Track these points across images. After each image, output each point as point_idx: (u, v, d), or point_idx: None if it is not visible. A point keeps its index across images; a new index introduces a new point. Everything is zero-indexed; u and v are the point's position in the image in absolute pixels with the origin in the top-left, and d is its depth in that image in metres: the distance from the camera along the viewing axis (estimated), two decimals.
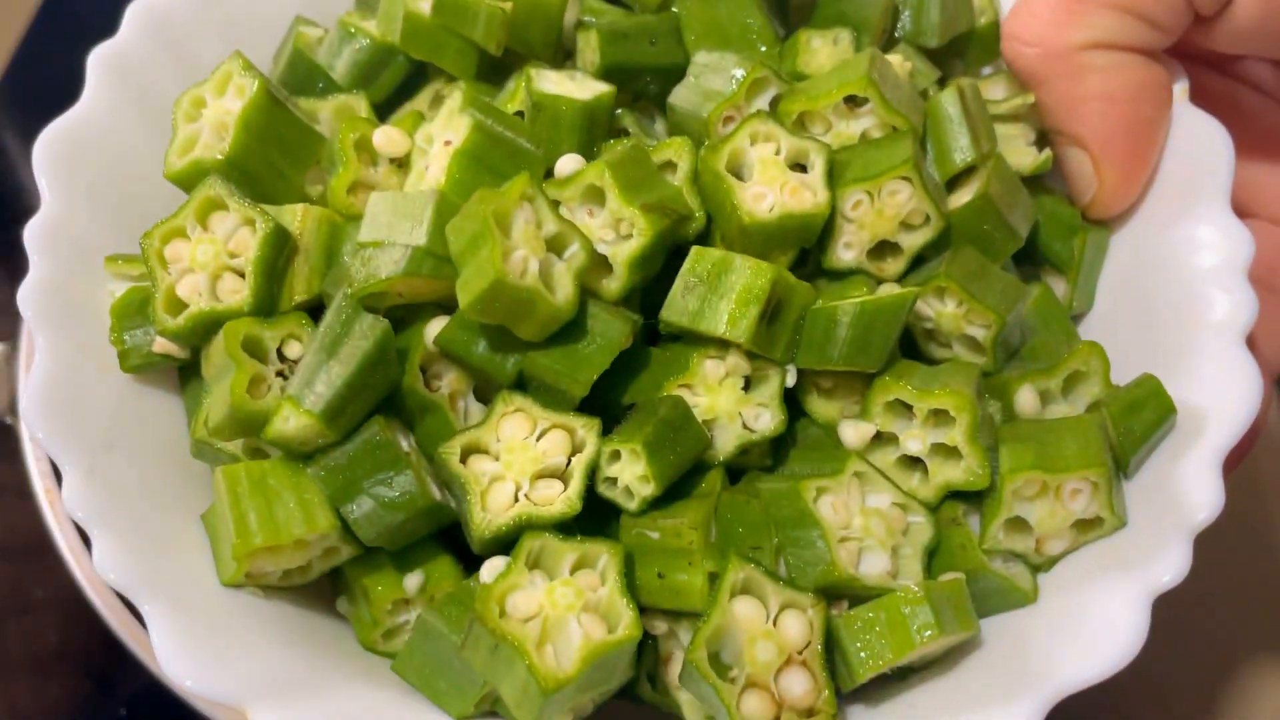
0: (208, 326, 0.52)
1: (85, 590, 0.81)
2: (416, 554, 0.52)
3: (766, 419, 0.52)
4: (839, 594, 0.50)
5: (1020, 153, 0.58)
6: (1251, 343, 0.53)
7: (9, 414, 0.85)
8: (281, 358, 0.52)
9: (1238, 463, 0.54)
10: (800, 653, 0.48)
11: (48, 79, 1.47)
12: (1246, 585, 1.12)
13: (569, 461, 0.50)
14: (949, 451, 0.52)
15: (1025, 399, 0.54)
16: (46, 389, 0.51)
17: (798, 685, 0.48)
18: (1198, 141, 0.56)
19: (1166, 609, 1.13)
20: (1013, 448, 0.51)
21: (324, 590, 0.55)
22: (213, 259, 0.52)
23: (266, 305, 0.52)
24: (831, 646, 0.49)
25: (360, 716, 0.48)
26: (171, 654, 0.46)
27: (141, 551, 0.49)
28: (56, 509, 0.82)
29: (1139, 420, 0.52)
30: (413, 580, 0.52)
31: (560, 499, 0.49)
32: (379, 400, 0.50)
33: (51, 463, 0.83)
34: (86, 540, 0.79)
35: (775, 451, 0.54)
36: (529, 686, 0.45)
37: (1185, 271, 0.55)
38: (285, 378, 0.51)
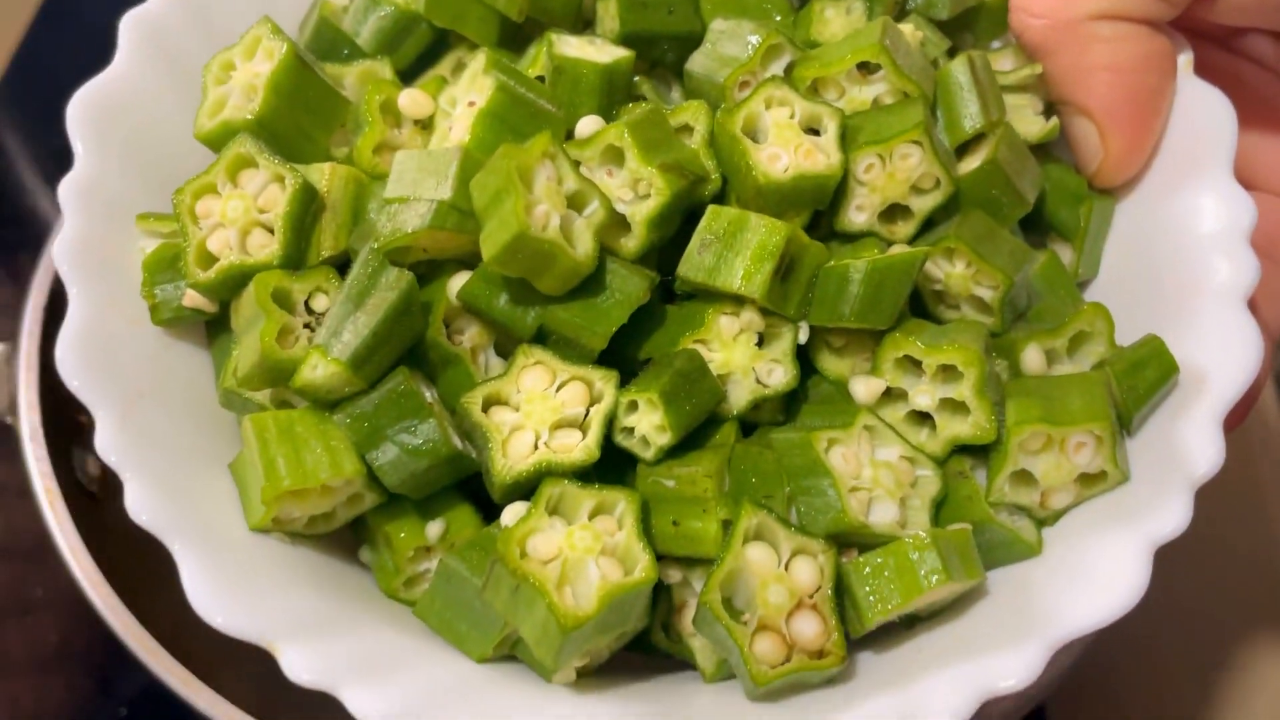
0: (237, 280, 0.54)
1: (85, 590, 0.79)
2: (438, 503, 0.54)
3: (779, 374, 0.54)
4: (849, 541, 0.52)
5: (1028, 122, 0.60)
6: (1253, 307, 0.55)
7: (9, 414, 0.85)
8: (309, 310, 0.54)
9: (1238, 422, 0.55)
10: (811, 597, 0.50)
11: (47, 79, 1.48)
12: (1247, 585, 1.12)
13: (587, 412, 0.52)
14: (957, 406, 0.53)
15: (1031, 358, 0.55)
16: (79, 339, 0.53)
17: (808, 628, 0.50)
18: (1201, 112, 0.58)
19: (1167, 608, 1.14)
20: (1019, 402, 0.53)
21: (347, 541, 0.57)
22: (243, 214, 0.54)
23: (295, 259, 0.54)
24: (841, 592, 0.50)
25: (381, 657, 0.50)
26: (200, 593, 0.48)
27: (171, 495, 0.50)
28: (57, 509, 0.81)
29: (1142, 379, 0.53)
30: (434, 528, 0.53)
31: (579, 447, 0.51)
32: (403, 351, 0.52)
33: (52, 462, 0.83)
34: (87, 540, 0.80)
35: (788, 407, 0.56)
36: (549, 625, 0.47)
37: (1188, 237, 0.56)
38: (312, 330, 0.53)
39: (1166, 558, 1.11)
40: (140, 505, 0.50)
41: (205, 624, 0.93)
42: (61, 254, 0.55)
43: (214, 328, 0.58)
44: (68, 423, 0.90)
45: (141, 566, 0.88)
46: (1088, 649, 0.81)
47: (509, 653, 0.52)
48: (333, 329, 0.50)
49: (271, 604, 0.49)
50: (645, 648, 0.54)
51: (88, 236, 0.55)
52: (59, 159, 1.50)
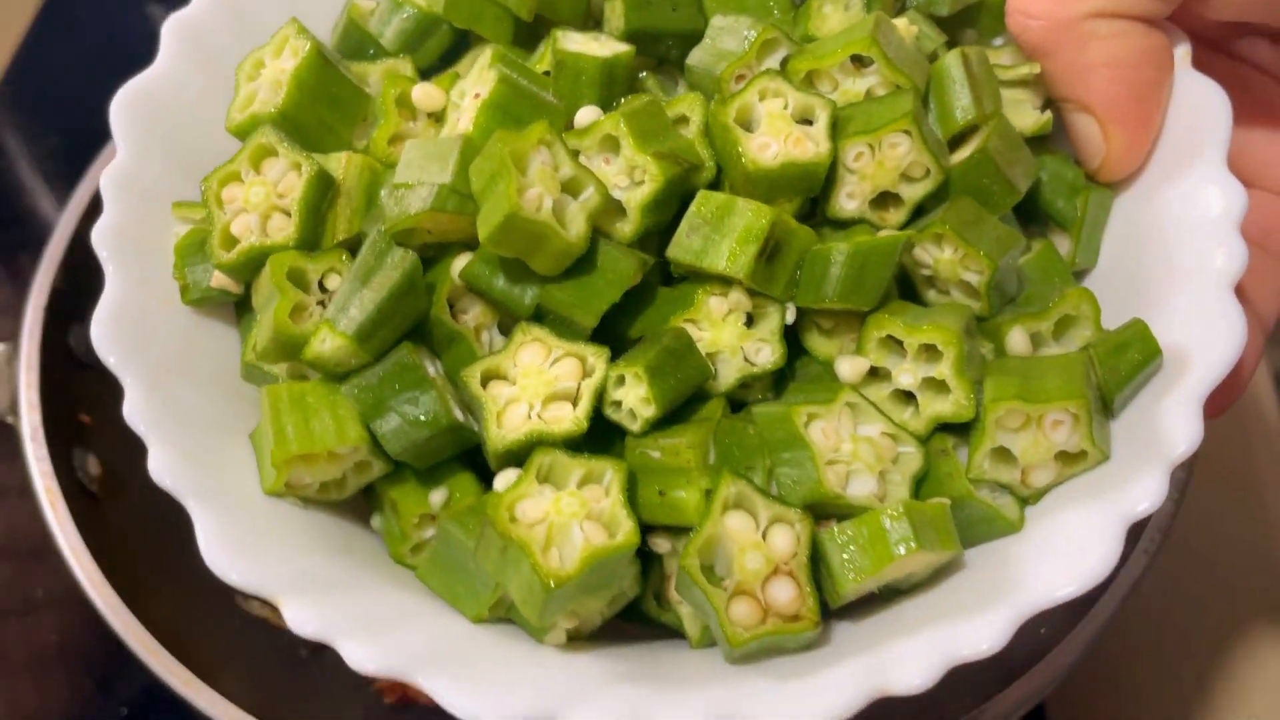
0: (257, 260, 0.58)
1: (86, 590, 0.81)
2: (441, 472, 0.57)
3: (767, 353, 0.56)
4: (826, 513, 0.54)
5: (1025, 115, 0.62)
6: (1245, 297, 0.56)
7: (10, 414, 0.87)
8: (323, 289, 0.57)
9: (1223, 407, 0.57)
10: (787, 564, 0.52)
11: (48, 81, 1.51)
12: (1247, 585, 1.11)
13: (579, 387, 0.54)
14: (938, 385, 0.55)
15: (1016, 340, 0.57)
16: (113, 315, 0.57)
17: (783, 593, 0.52)
18: (1197, 103, 0.59)
19: (1166, 607, 1.13)
20: (996, 380, 0.55)
21: (361, 509, 0.60)
22: (263, 200, 0.58)
23: (310, 240, 0.58)
24: (817, 561, 0.53)
25: (381, 614, 0.53)
26: (214, 550, 0.52)
27: (193, 460, 0.54)
28: (57, 509, 0.83)
29: (1124, 361, 0.55)
30: (437, 496, 0.56)
31: (569, 418, 0.54)
32: (408, 328, 0.55)
33: (53, 462, 0.85)
34: (87, 540, 0.81)
35: (776, 386, 0.58)
36: (533, 584, 0.49)
37: (1179, 224, 0.57)
38: (325, 308, 0.57)
39: (1167, 558, 1.11)
40: (162, 469, 0.53)
41: (206, 624, 0.95)
42: (100, 238, 0.59)
43: (241, 309, 0.62)
44: (68, 423, 0.92)
45: (142, 566, 0.90)
46: (1088, 648, 0.81)
47: (504, 616, 0.55)
48: (340, 305, 0.54)
49: (280, 561, 0.53)
50: (638, 617, 0.56)
51: (124, 223, 0.60)
52: (59, 160, 1.53)
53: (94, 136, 1.04)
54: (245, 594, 0.53)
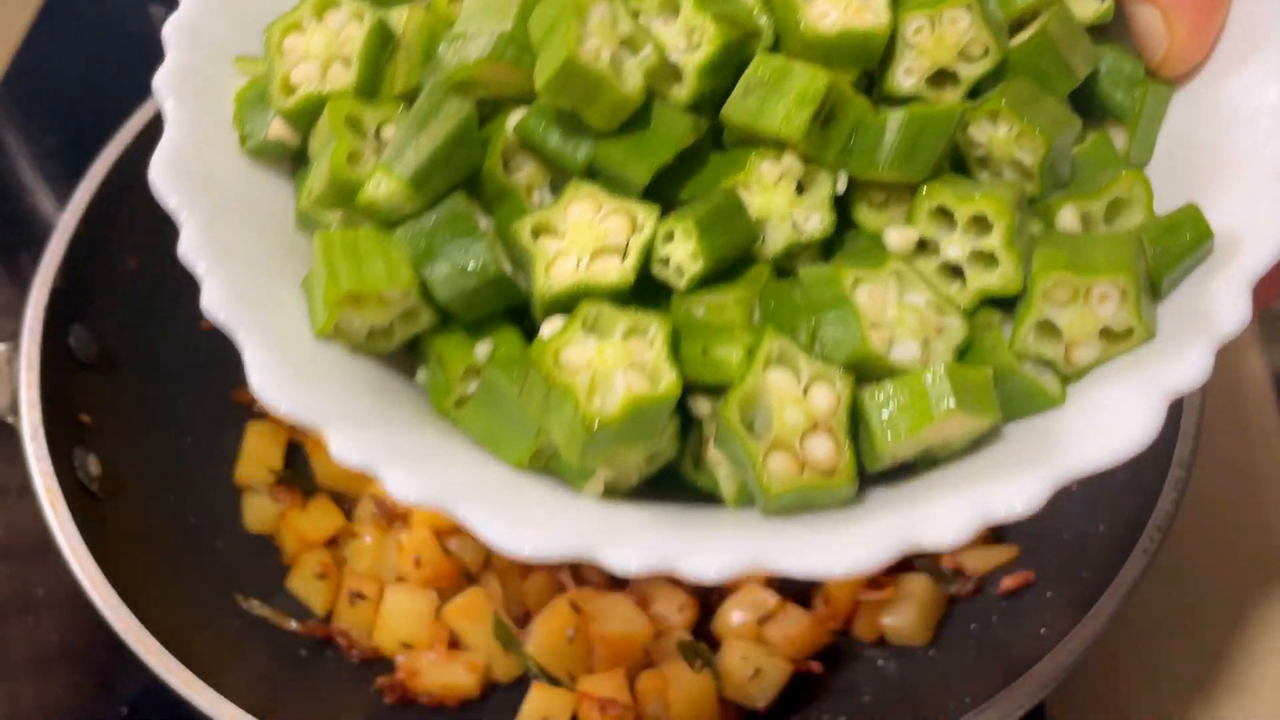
0: (316, 107, 0.59)
1: (86, 590, 0.82)
2: (487, 326, 0.57)
3: (816, 221, 0.57)
4: (868, 375, 0.54)
5: (1086, 4, 0.61)
6: None
7: (10, 413, 0.88)
8: (378, 139, 0.58)
9: (1273, 296, 0.56)
10: (826, 420, 0.52)
11: (49, 81, 1.53)
12: (1246, 584, 1.12)
13: (628, 243, 0.55)
14: (987, 259, 0.56)
15: (1067, 218, 0.57)
16: (172, 156, 0.58)
17: (821, 449, 0.52)
18: None
19: (1166, 606, 1.13)
20: (1046, 252, 0.55)
21: (405, 366, 0.61)
22: (324, 48, 0.59)
23: (369, 89, 0.59)
24: (856, 421, 0.53)
25: (425, 452, 0.53)
26: (263, 380, 0.52)
27: (245, 298, 0.54)
28: (58, 509, 0.84)
29: (1175, 242, 0.55)
30: (482, 349, 0.57)
31: (617, 270, 0.54)
32: (461, 178, 0.56)
33: (53, 462, 0.86)
34: (88, 540, 0.83)
35: (823, 257, 0.58)
36: (576, 425, 0.50)
37: (1236, 116, 0.58)
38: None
39: (1166, 558, 1.11)
40: (214, 302, 0.54)
41: (206, 623, 0.95)
42: (162, 81, 0.60)
43: (297, 163, 0.63)
44: (69, 422, 0.93)
45: (142, 566, 0.90)
46: (1088, 648, 0.81)
47: (544, 467, 0.55)
48: (396, 150, 0.55)
49: (328, 397, 0.53)
50: (675, 483, 0.56)
51: (185, 69, 0.61)
52: (60, 159, 1.56)
53: (95, 136, 1.06)
54: (294, 425, 0.56)
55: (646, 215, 0.55)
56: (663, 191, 0.56)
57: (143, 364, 1.04)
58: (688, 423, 0.55)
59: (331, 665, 0.99)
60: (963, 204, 0.55)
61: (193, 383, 1.10)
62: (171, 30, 0.61)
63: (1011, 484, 0.50)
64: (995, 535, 1.02)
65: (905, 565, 1.02)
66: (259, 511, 1.05)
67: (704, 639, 0.99)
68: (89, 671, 1.07)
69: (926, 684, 0.93)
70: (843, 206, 0.58)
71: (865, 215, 0.58)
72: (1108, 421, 0.51)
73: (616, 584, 1.05)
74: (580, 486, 0.54)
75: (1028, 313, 0.54)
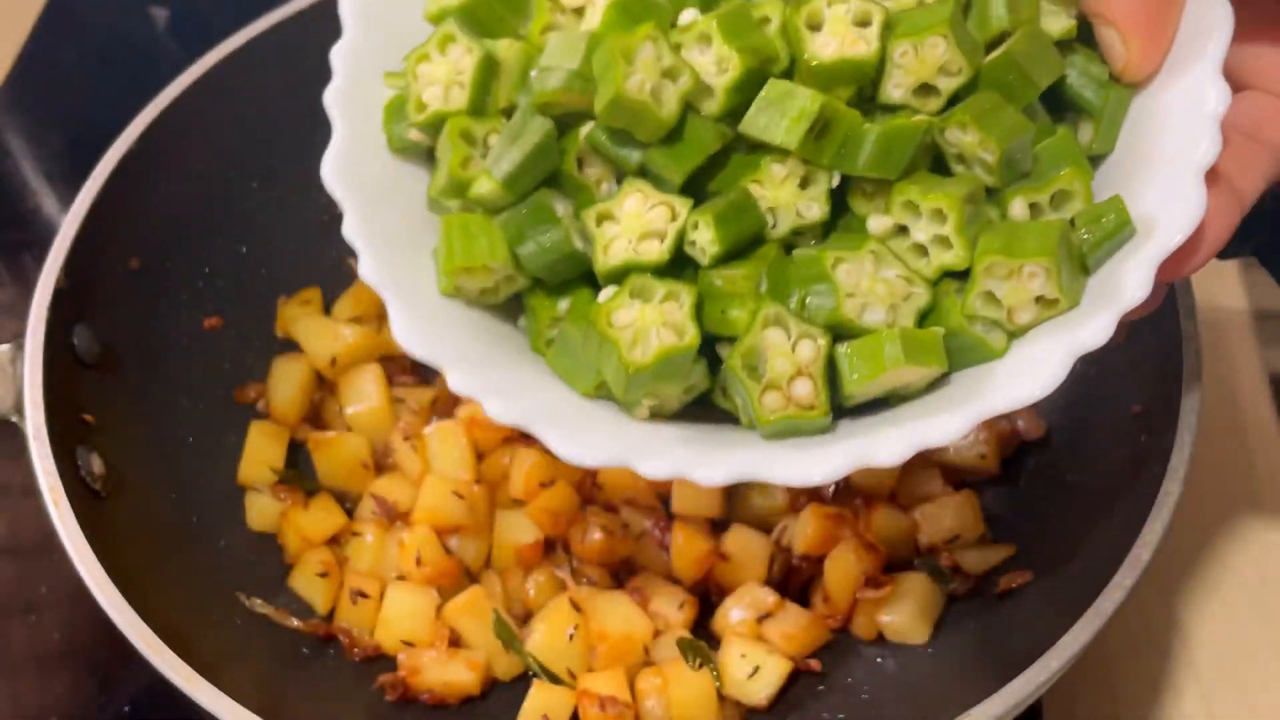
0: (440, 121, 0.76)
1: (89, 588, 0.83)
2: (567, 287, 0.75)
3: (815, 210, 0.72)
4: (844, 333, 0.69)
5: (1056, 21, 0.73)
6: (1229, 179, 0.69)
7: (14, 413, 0.88)
8: (486, 146, 0.76)
9: (1178, 274, 0.69)
10: (808, 368, 0.69)
11: (52, 82, 1.53)
12: (1243, 584, 1.12)
13: (667, 228, 0.72)
14: (945, 241, 0.70)
15: (1016, 207, 0.71)
16: (338, 158, 0.75)
17: (803, 389, 0.69)
18: (1204, 13, 0.70)
19: (1163, 605, 1.13)
20: (986, 238, 0.69)
21: (513, 312, 0.77)
22: (445, 75, 0.76)
23: (478, 108, 0.76)
24: (831, 370, 0.69)
25: (517, 384, 0.71)
26: (403, 331, 0.70)
27: (390, 267, 0.72)
28: (61, 508, 0.85)
29: (1099, 228, 0.69)
30: (564, 304, 0.75)
31: (657, 250, 0.71)
32: (544, 178, 0.74)
33: (56, 462, 0.88)
34: (91, 539, 0.84)
35: (823, 236, 0.74)
36: (619, 370, 0.69)
37: (1173, 118, 0.70)
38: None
39: (1165, 558, 1.10)
40: (369, 271, 0.71)
41: (208, 622, 0.96)
42: (331, 99, 0.77)
43: (430, 159, 0.79)
44: (72, 422, 0.93)
45: (145, 565, 0.91)
46: (1085, 647, 0.82)
47: (607, 395, 0.73)
48: (495, 158, 0.73)
49: (448, 342, 0.71)
50: (708, 404, 0.74)
51: (348, 87, 0.78)
52: (63, 160, 1.57)
53: (98, 137, 1.06)
54: (427, 365, 0.70)
55: (682, 206, 0.72)
56: (697, 186, 0.73)
57: (146, 364, 1.05)
58: (718, 363, 0.73)
59: (333, 663, 1.00)
60: (925, 199, 0.70)
61: (195, 382, 1.11)
62: (338, 54, 0.79)
63: (945, 419, 0.65)
64: (994, 535, 1.02)
65: (904, 564, 1.02)
66: (261, 510, 1.06)
67: (703, 637, 0.99)
68: (91, 669, 1.08)
69: (925, 682, 0.94)
70: (841, 196, 0.73)
71: (858, 203, 0.73)
72: (1026, 372, 0.66)
73: (616, 583, 1.05)
74: (632, 411, 0.72)
75: (973, 286, 0.70)
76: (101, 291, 1.00)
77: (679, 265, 0.72)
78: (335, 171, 0.74)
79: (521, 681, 0.98)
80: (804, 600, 1.02)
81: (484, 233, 0.73)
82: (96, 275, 0.99)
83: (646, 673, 0.95)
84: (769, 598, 0.98)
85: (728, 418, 0.73)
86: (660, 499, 1.05)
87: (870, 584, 0.97)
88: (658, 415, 0.72)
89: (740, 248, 0.72)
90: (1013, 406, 0.64)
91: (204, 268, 1.12)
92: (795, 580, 1.02)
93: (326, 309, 1.18)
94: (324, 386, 1.14)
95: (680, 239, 0.71)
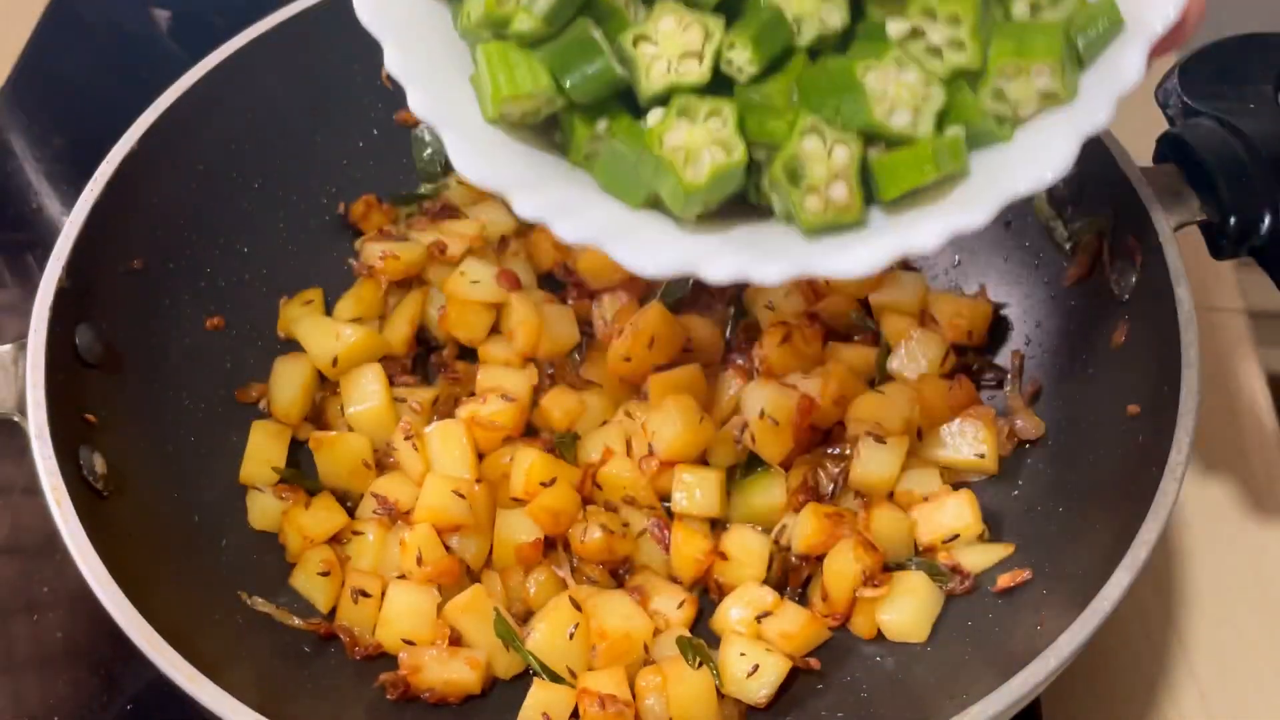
0: None
1: (92, 587, 0.83)
2: (603, 107, 0.78)
3: (836, 16, 0.77)
4: (875, 137, 0.75)
5: None
6: None
7: (17, 412, 0.89)
8: None
9: (1168, 49, 0.76)
10: (844, 172, 0.74)
11: (54, 83, 1.53)
12: (1242, 583, 1.12)
13: (703, 48, 0.76)
14: (960, 44, 0.76)
15: (1019, 7, 0.77)
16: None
17: (839, 191, 0.74)
18: None
19: (1162, 605, 1.13)
20: (999, 41, 0.75)
21: (548, 132, 0.80)
22: None
23: None
24: (867, 173, 0.75)
25: (577, 202, 0.75)
26: (463, 159, 0.73)
27: (437, 97, 0.76)
28: (64, 507, 0.85)
29: (1095, 25, 0.74)
30: (601, 124, 0.78)
31: (697, 71, 0.76)
32: (581, 7, 0.77)
33: (59, 461, 0.87)
34: (93, 538, 0.84)
35: (843, 42, 0.78)
36: (677, 191, 0.74)
37: None
38: None
39: (1164, 558, 1.10)
40: (419, 104, 0.75)
41: (210, 620, 0.96)
42: None
43: None
44: (75, 422, 0.93)
45: (147, 564, 0.91)
46: (1083, 645, 0.81)
47: (652, 205, 0.77)
48: None
49: (504, 168, 0.75)
50: (745, 200, 0.78)
51: None
52: (65, 161, 1.56)
53: (100, 137, 1.06)
54: (486, 191, 0.78)
55: (715, 25, 0.77)
56: (728, 4, 0.78)
57: (148, 364, 1.05)
58: (753, 163, 0.77)
59: (334, 662, 1.00)
60: (942, 4, 0.75)
61: (197, 382, 1.11)
62: None
63: (974, 207, 0.71)
64: (992, 534, 1.02)
65: (903, 563, 1.02)
66: (263, 509, 1.06)
67: (703, 636, 0.99)
68: (93, 668, 1.08)
69: (924, 680, 0.94)
70: (858, 2, 0.78)
71: (875, 10, 0.78)
72: (1040, 158, 0.72)
73: (616, 581, 1.05)
74: (681, 216, 0.76)
75: (987, 82, 0.76)
76: (104, 291, 1.00)
77: (716, 83, 0.76)
78: (369, 9, 0.78)
79: (522, 680, 0.98)
80: (803, 599, 1.02)
81: (525, 62, 0.76)
82: (99, 275, 1.00)
83: (646, 671, 0.95)
84: (768, 596, 0.98)
85: (758, 211, 0.78)
86: (660, 498, 1.05)
87: (869, 583, 0.97)
88: (703, 215, 0.77)
89: (774, 63, 0.77)
90: (1034, 188, 0.71)
91: (206, 268, 1.12)
92: (794, 579, 1.02)
93: (328, 309, 1.18)
94: (325, 386, 1.14)
95: (717, 58, 0.76)
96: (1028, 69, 0.74)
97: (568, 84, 0.76)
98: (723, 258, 0.72)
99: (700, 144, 0.74)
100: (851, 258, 0.71)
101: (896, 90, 0.75)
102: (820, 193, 0.74)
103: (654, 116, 0.76)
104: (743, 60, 0.76)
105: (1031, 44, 0.74)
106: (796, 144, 0.75)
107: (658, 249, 0.73)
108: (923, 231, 0.71)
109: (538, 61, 0.77)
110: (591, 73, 0.76)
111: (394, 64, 0.77)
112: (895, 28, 0.76)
